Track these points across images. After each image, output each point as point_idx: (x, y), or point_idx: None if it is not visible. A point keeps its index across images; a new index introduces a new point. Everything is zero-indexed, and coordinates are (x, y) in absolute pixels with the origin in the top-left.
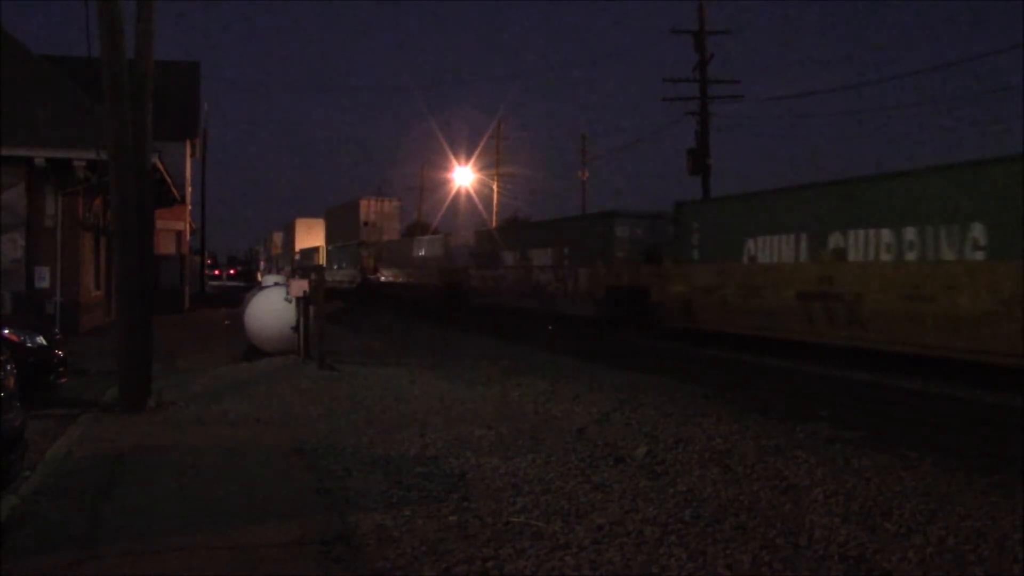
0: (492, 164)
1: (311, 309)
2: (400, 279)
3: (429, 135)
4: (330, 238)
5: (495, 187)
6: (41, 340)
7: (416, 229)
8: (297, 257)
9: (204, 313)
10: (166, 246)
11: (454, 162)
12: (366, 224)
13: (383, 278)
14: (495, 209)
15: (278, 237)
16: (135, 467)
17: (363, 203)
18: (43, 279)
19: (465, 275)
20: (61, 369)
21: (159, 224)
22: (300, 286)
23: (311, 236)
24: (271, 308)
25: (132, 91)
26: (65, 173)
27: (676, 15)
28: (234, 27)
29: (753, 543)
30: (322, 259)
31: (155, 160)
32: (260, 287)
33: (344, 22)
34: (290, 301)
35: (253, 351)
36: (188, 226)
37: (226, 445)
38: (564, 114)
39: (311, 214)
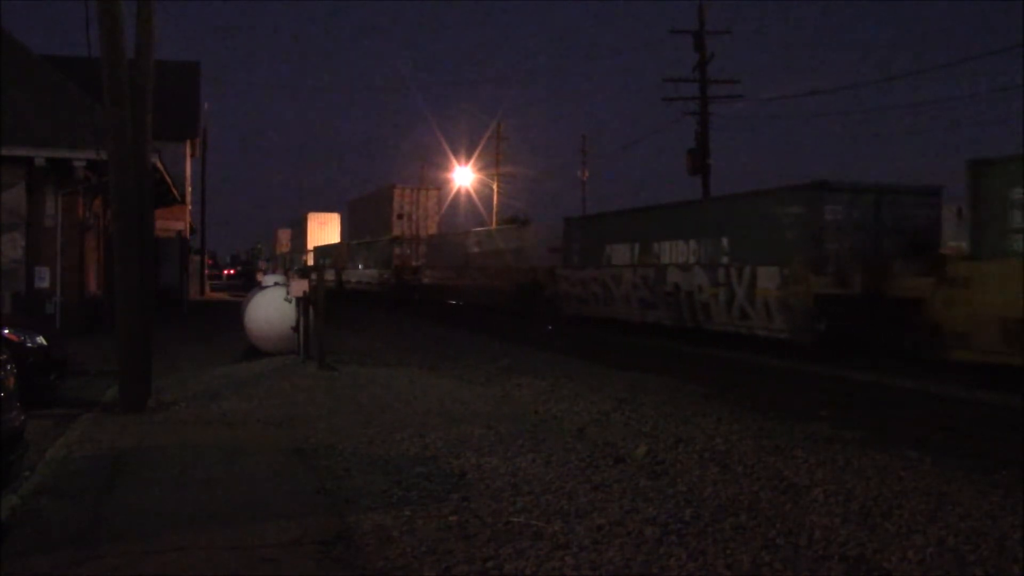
0: (492, 164)
1: (311, 309)
2: (450, 281)
3: (429, 135)
4: (354, 233)
5: (495, 187)
6: (41, 340)
7: None
8: (309, 256)
9: (204, 313)
10: (166, 246)
11: (454, 162)
12: (400, 216)
13: (426, 279)
14: (495, 209)
15: (284, 234)
16: (135, 467)
17: (397, 192)
18: (43, 279)
19: (550, 277)
20: (61, 369)
21: (159, 224)
22: (300, 286)
23: (325, 232)
24: (271, 308)
25: (132, 91)
26: (65, 173)
27: (676, 15)
28: (234, 27)
29: (753, 543)
30: (343, 257)
31: (155, 160)
32: (260, 287)
33: (344, 22)
34: (290, 301)
35: (253, 351)
36: (188, 226)
37: (226, 445)
38: (564, 114)
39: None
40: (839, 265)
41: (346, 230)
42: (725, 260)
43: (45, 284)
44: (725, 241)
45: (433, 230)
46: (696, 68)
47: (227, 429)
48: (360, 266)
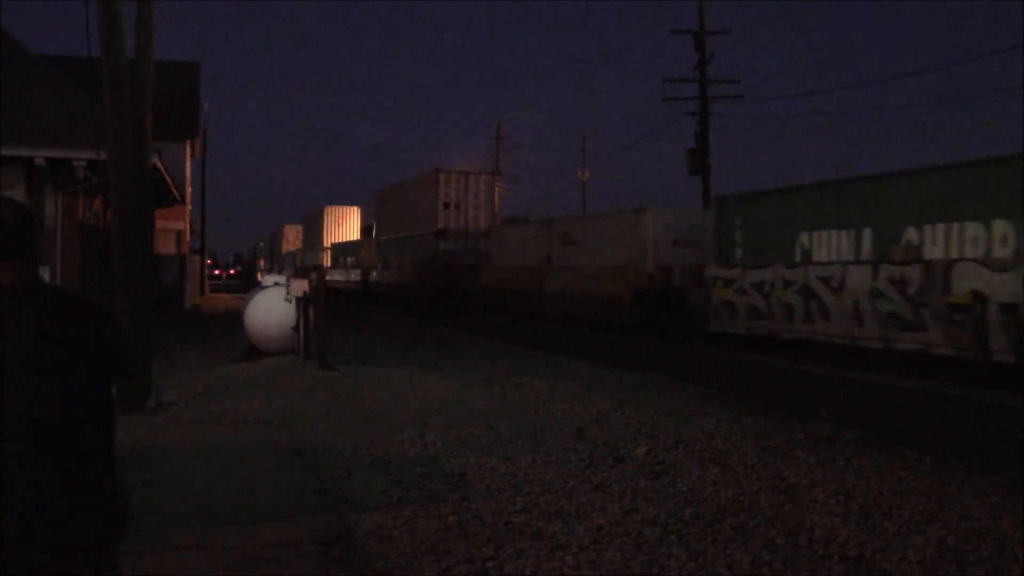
0: (492, 164)
1: (311, 309)
2: (524, 284)
3: (429, 135)
4: (384, 227)
5: (495, 187)
6: None
7: None
8: (326, 255)
9: (204, 313)
10: (166, 246)
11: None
12: (447, 206)
13: (486, 282)
14: (495, 209)
15: (292, 231)
16: (135, 467)
17: (442, 177)
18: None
19: (693, 281)
20: None
21: (159, 224)
22: (300, 286)
23: (344, 227)
24: (271, 308)
25: (132, 91)
26: (65, 173)
27: (676, 15)
28: (234, 27)
29: (753, 543)
30: (370, 255)
31: (155, 160)
32: (260, 287)
33: (344, 22)
34: (290, 301)
35: (253, 351)
36: (188, 226)
37: (226, 445)
38: (564, 114)
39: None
40: None
41: (374, 224)
42: None
43: None
44: None
45: (486, 223)
46: (696, 68)
47: (227, 429)
48: (394, 265)
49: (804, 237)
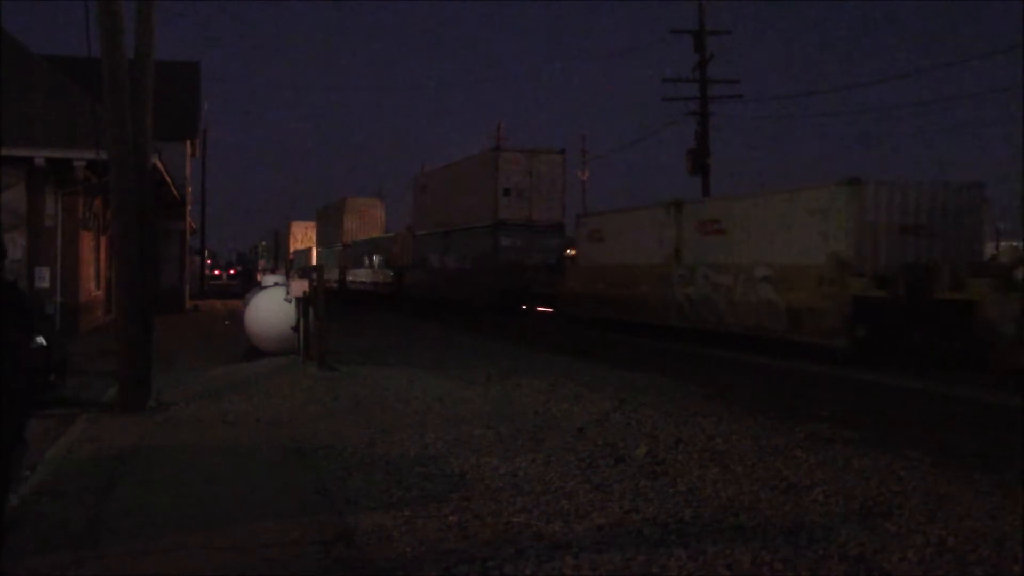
0: None
1: (311, 309)
2: (632, 291)
3: (428, 134)
4: (423, 220)
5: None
6: (41, 340)
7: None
8: (349, 252)
9: (204, 313)
10: (166, 246)
11: None
12: (507, 193)
13: (575, 286)
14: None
15: (301, 229)
16: (135, 467)
17: (503, 158)
18: (43, 279)
19: (997, 289)
20: (61, 369)
21: (159, 224)
22: (300, 286)
23: (365, 222)
24: (271, 308)
25: (132, 91)
26: (65, 173)
27: (676, 15)
28: (234, 27)
29: (753, 543)
30: (404, 252)
31: (155, 160)
32: (260, 287)
33: (344, 22)
34: (290, 301)
35: (253, 351)
36: (188, 226)
37: (226, 445)
38: (564, 114)
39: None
40: None
41: (410, 215)
42: None
43: (45, 284)
44: None
45: (554, 213)
46: (696, 68)
47: (227, 429)
48: (435, 265)
49: None
